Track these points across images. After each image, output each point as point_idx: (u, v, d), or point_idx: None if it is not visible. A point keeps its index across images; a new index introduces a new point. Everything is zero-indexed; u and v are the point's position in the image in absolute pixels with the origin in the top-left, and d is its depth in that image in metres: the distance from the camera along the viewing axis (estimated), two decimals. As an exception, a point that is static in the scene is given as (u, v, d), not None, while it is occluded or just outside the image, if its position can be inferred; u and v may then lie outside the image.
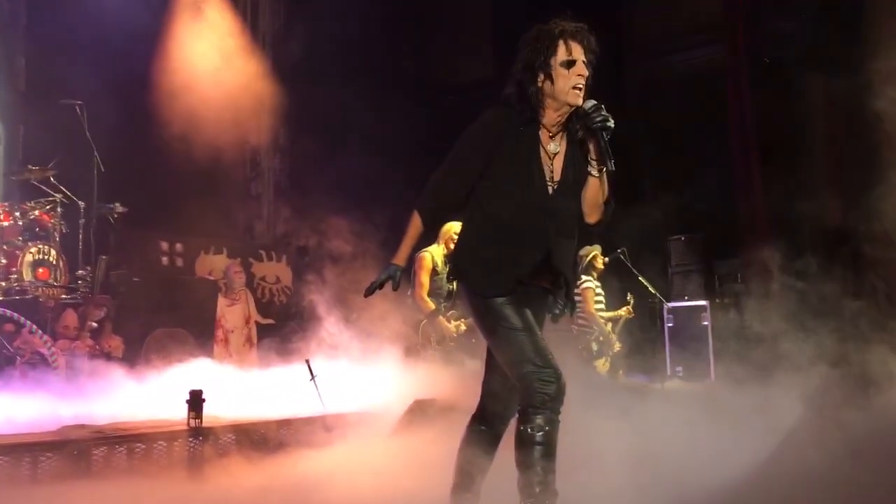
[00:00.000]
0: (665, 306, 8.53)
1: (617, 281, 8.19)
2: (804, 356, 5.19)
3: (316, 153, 9.07)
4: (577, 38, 2.99)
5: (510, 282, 2.95)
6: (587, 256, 7.82)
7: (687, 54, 10.05)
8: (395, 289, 3.07)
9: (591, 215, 3.08)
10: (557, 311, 3.11)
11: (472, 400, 5.40)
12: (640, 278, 8.31)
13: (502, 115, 3.01)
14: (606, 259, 7.96)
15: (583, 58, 2.98)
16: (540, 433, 2.83)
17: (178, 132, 8.22)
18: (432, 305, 6.41)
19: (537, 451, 2.83)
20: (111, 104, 7.63)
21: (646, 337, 8.43)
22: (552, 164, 3.02)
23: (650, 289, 8.37)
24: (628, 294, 8.14)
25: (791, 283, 6.11)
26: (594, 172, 3.00)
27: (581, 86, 2.96)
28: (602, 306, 7.97)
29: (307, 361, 5.89)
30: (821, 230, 5.56)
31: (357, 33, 9.30)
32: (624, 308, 8.06)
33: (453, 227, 6.57)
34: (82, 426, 4.74)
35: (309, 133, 9.51)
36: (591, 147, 2.98)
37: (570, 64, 2.95)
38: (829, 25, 6.66)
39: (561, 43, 2.97)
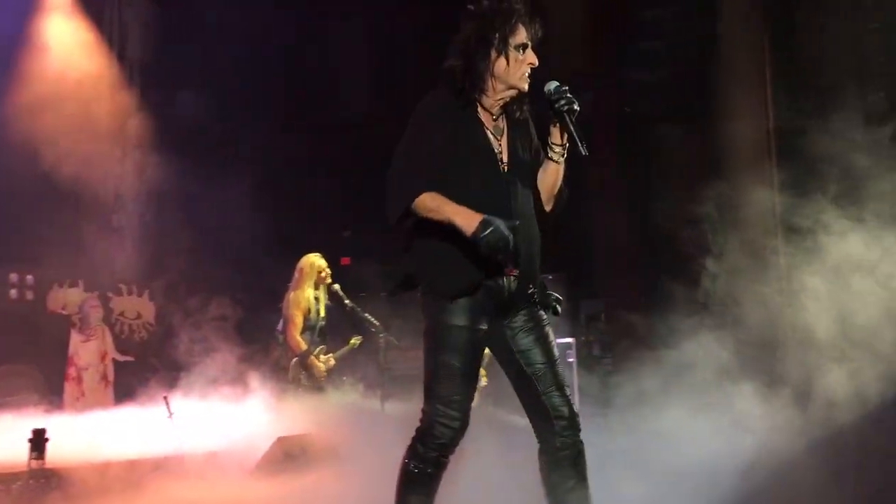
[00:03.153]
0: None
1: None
2: (669, 392, 5.35)
3: (184, 185, 8.78)
4: (532, 23, 2.79)
5: (476, 272, 2.70)
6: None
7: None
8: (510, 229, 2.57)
9: (549, 203, 2.90)
10: (557, 305, 2.96)
11: (338, 437, 5.36)
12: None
13: (445, 101, 2.78)
14: None
15: (533, 44, 2.80)
16: (425, 473, 2.73)
17: (32, 158, 7.79)
18: (305, 345, 6.34)
19: (418, 490, 2.73)
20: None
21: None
22: (499, 144, 2.84)
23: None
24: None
25: (650, 320, 6.36)
26: (556, 158, 2.82)
27: (529, 73, 2.79)
28: None
29: (165, 398, 5.68)
30: (678, 266, 5.87)
31: (232, 63, 9.14)
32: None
33: (317, 262, 6.51)
34: None
35: (177, 164, 9.21)
36: (556, 131, 2.79)
37: (525, 48, 2.77)
38: (683, 77, 7.13)
39: (520, 24, 2.76)
